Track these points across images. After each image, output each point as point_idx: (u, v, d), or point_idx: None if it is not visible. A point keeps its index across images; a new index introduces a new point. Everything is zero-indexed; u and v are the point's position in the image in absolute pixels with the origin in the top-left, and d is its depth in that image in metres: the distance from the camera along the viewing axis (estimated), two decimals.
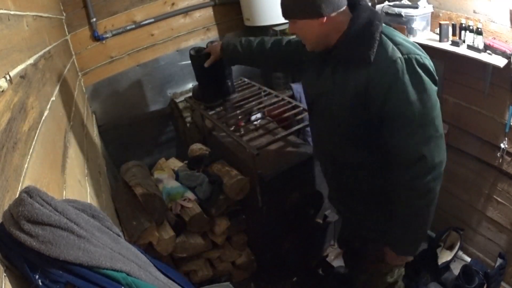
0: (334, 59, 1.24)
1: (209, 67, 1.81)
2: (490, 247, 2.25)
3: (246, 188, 1.96)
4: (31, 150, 0.87)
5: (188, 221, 1.88)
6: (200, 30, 3.00)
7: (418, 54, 1.13)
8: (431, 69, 1.15)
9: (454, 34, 1.88)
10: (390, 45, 1.14)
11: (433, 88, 1.14)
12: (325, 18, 1.14)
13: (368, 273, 1.61)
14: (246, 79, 2.69)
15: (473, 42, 1.78)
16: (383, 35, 1.16)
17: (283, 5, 1.21)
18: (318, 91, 1.34)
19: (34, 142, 0.91)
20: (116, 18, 2.65)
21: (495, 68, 1.71)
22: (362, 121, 1.23)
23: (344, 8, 1.16)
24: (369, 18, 1.16)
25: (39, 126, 1.00)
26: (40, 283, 0.59)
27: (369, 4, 1.24)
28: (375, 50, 1.13)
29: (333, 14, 1.14)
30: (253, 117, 2.34)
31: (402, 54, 1.12)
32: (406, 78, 1.10)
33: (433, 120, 1.15)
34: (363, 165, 1.35)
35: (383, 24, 1.18)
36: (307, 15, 1.15)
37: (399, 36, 1.18)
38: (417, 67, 1.11)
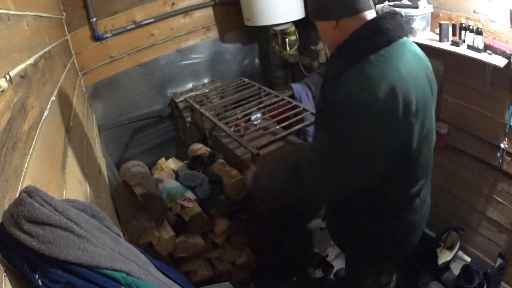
0: None
1: None
2: (490, 247, 2.25)
3: (246, 188, 1.96)
4: (31, 150, 0.86)
5: (188, 221, 1.88)
6: (200, 30, 3.00)
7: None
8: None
9: (454, 34, 1.87)
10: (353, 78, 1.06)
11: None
12: (335, 22, 1.12)
13: (371, 277, 1.60)
14: (246, 79, 2.68)
15: (473, 42, 1.77)
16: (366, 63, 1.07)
17: (309, 8, 1.24)
18: None
19: (34, 142, 0.91)
20: (116, 18, 2.65)
21: (495, 68, 1.71)
22: None
23: (359, 14, 1.10)
24: (366, 34, 1.09)
25: (39, 126, 1.00)
26: (40, 283, 0.59)
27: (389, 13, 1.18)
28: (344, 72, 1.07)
29: (345, 19, 1.11)
30: (253, 117, 2.34)
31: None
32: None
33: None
34: None
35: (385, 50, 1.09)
36: (320, 18, 1.18)
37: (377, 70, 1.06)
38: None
